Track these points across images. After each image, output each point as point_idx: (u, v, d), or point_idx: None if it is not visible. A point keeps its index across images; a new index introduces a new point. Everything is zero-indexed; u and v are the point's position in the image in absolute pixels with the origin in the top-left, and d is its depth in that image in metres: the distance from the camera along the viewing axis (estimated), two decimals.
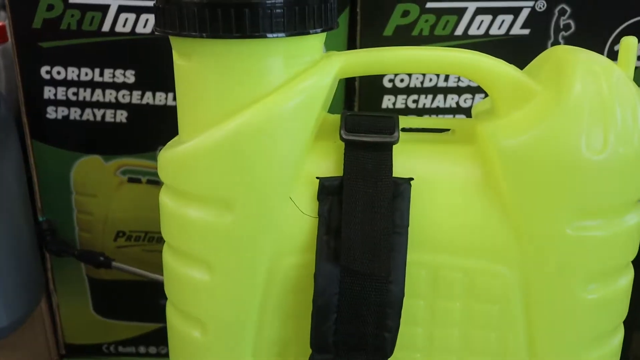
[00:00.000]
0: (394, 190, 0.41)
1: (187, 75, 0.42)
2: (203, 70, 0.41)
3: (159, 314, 0.76)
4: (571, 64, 0.40)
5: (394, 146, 0.42)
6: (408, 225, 0.41)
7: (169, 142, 0.46)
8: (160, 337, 0.79)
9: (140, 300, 0.77)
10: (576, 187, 0.39)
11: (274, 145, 0.41)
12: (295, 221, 0.42)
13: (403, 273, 0.40)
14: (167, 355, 0.79)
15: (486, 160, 0.41)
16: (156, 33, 0.43)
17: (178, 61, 0.43)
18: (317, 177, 0.41)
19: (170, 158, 0.43)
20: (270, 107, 0.40)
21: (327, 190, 0.41)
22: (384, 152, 0.41)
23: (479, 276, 0.42)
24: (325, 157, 0.42)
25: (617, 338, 0.45)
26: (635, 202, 0.41)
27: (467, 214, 0.41)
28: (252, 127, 0.40)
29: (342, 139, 0.42)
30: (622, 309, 0.44)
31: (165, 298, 0.76)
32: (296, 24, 0.40)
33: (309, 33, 0.41)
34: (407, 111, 0.65)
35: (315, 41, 0.42)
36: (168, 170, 0.44)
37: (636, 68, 0.63)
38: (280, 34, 0.39)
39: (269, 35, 0.39)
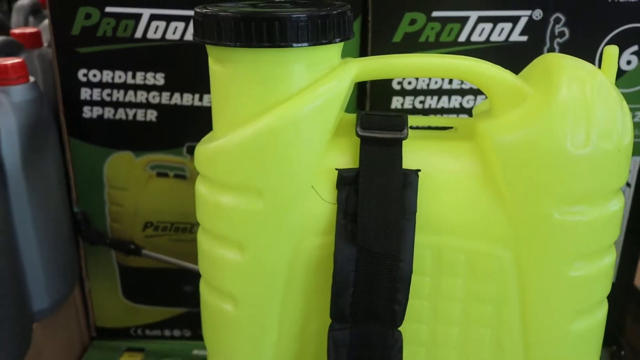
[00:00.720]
0: (404, 180, 0.47)
1: (222, 79, 0.48)
2: (236, 75, 0.47)
3: (183, 300, 0.83)
4: (559, 70, 0.46)
5: (404, 142, 0.47)
6: (416, 211, 0.46)
7: (204, 138, 0.51)
8: (184, 321, 0.85)
9: (166, 287, 0.83)
10: (562, 177, 0.44)
11: (298, 141, 0.47)
12: (317, 207, 0.47)
13: (411, 253, 0.46)
14: (190, 338, 0.85)
15: (485, 155, 0.47)
16: (194, 41, 0.48)
17: (213, 66, 0.48)
18: (336, 169, 0.47)
19: (206, 152, 0.49)
20: (295, 108, 0.46)
21: (345, 180, 0.47)
22: (395, 147, 0.47)
23: (478, 256, 0.47)
24: (343, 151, 0.48)
25: (602, 312, 0.50)
26: (616, 190, 0.47)
27: (467, 202, 0.47)
28: (279, 125, 0.46)
29: (357, 135, 0.47)
30: (606, 286, 0.49)
31: (189, 284, 0.82)
32: (318, 35, 0.45)
33: (329, 43, 0.46)
34: (414, 111, 0.71)
35: (334, 50, 0.48)
36: (204, 162, 0.49)
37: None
38: (304, 44, 0.45)
39: (294, 44, 0.45)
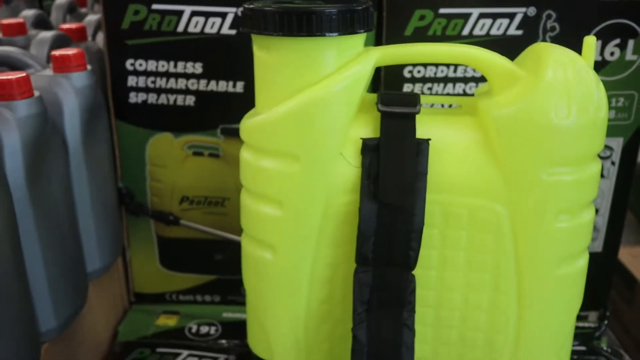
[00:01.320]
0: (417, 148, 0.56)
1: (265, 63, 0.58)
2: (277, 60, 0.56)
3: (214, 268, 0.92)
4: (546, 57, 0.55)
5: (417, 116, 0.57)
6: (427, 173, 0.56)
7: (247, 114, 0.61)
8: (213, 287, 0.94)
9: (199, 256, 0.92)
10: (548, 144, 0.54)
11: (329, 115, 0.56)
12: (345, 170, 0.57)
13: (423, 208, 0.56)
14: (219, 303, 0.95)
15: (484, 127, 0.56)
16: (242, 31, 0.58)
17: (258, 53, 0.58)
18: (361, 138, 0.56)
19: (251, 124, 0.58)
20: (327, 87, 0.55)
21: (368, 147, 0.56)
22: (410, 120, 0.56)
23: (478, 211, 0.57)
24: (366, 124, 0.57)
25: (583, 260, 0.59)
26: (594, 155, 0.56)
27: (470, 166, 0.56)
28: (313, 101, 0.55)
29: (378, 110, 0.57)
30: (586, 238, 0.58)
31: (219, 254, 0.91)
32: (346, 27, 0.55)
33: (355, 33, 0.56)
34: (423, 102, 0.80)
35: (359, 39, 0.57)
36: (249, 133, 0.59)
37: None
38: (334, 34, 0.55)
39: (327, 34, 0.54)
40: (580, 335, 0.86)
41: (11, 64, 0.73)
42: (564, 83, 0.53)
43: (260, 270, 0.61)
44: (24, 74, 0.63)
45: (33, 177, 0.63)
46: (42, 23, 1.02)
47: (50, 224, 0.67)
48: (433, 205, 0.57)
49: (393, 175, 0.55)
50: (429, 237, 0.57)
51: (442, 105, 0.69)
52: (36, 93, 0.64)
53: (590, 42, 0.56)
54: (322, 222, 0.58)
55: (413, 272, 0.57)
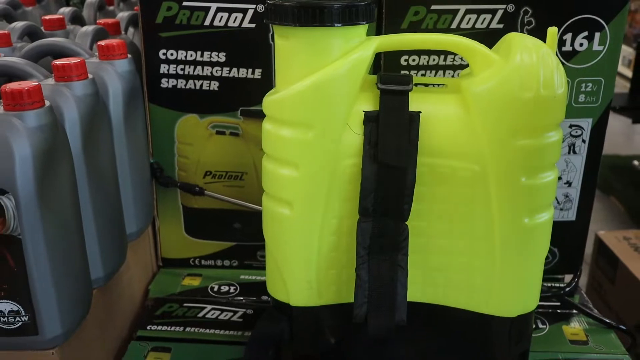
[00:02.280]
0: (410, 119, 0.68)
1: (284, 49, 0.69)
2: (294, 46, 0.68)
3: (233, 235, 1.04)
4: (516, 44, 0.67)
5: (410, 93, 0.68)
6: (418, 140, 0.68)
7: (269, 92, 0.73)
8: (232, 253, 1.06)
9: (220, 225, 1.04)
10: (517, 115, 0.65)
11: (337, 91, 0.68)
12: (350, 138, 0.69)
13: (414, 168, 0.67)
14: (237, 267, 1.07)
15: (465, 102, 0.68)
16: (265, 22, 0.70)
17: (278, 41, 0.70)
18: (364, 111, 0.68)
19: (272, 100, 0.70)
20: (335, 68, 0.67)
21: (370, 118, 0.68)
22: (404, 96, 0.68)
23: (460, 171, 0.68)
24: (368, 100, 0.69)
25: (548, 213, 0.70)
26: (556, 125, 0.68)
27: (453, 134, 0.68)
28: (324, 81, 0.67)
29: (378, 88, 0.68)
30: (550, 195, 0.70)
31: (238, 222, 1.03)
32: (352, 19, 0.67)
33: (358, 24, 0.68)
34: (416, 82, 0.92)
35: (362, 29, 0.69)
36: (270, 107, 0.71)
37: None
38: (341, 24, 0.66)
39: (335, 25, 0.66)
40: (557, 295, 0.97)
41: (64, 53, 0.85)
42: (529, 65, 0.65)
43: (279, 224, 0.73)
44: (80, 59, 0.75)
45: (87, 147, 0.75)
46: (77, 19, 1.14)
47: (100, 188, 0.79)
48: (423, 167, 0.68)
49: (390, 141, 0.67)
50: (419, 193, 0.69)
51: (432, 86, 0.80)
52: (90, 75, 0.76)
53: (553, 32, 0.68)
54: (331, 181, 0.70)
55: (406, 223, 0.69)
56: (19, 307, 0.67)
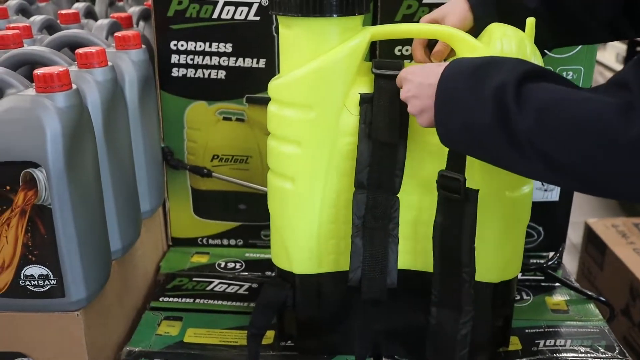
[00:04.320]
0: (400, 100, 0.75)
1: (288, 38, 0.77)
2: (297, 35, 0.75)
3: (238, 216, 1.11)
4: (496, 33, 0.74)
5: None
6: (408, 119, 0.75)
7: (274, 78, 0.80)
8: (237, 233, 1.13)
9: (226, 206, 1.11)
10: None
11: (335, 76, 0.75)
12: (347, 118, 0.76)
13: (405, 145, 0.75)
14: (242, 246, 1.14)
15: None
16: (271, 13, 0.77)
17: (282, 30, 0.77)
18: (359, 93, 0.75)
19: (277, 84, 0.77)
20: (334, 54, 0.74)
21: (365, 100, 0.75)
22: (395, 79, 0.75)
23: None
24: (363, 83, 0.76)
25: (528, 187, 0.78)
26: None
27: None
28: (324, 66, 0.74)
29: (372, 72, 0.76)
30: None
31: (243, 204, 1.10)
32: (348, 10, 0.74)
33: (354, 15, 0.75)
34: None
35: (358, 20, 0.76)
36: (275, 90, 0.78)
37: None
38: (339, 15, 0.73)
39: (334, 15, 0.73)
40: (540, 267, 1.04)
41: (83, 43, 0.92)
42: (508, 52, 0.72)
43: (282, 198, 0.80)
44: (101, 49, 0.82)
45: (107, 128, 0.82)
46: (90, 14, 1.22)
47: (118, 167, 0.86)
48: (412, 143, 0.76)
49: (383, 120, 0.74)
50: (410, 169, 0.76)
51: None
52: (109, 63, 0.83)
53: (531, 23, 0.75)
54: (330, 157, 0.77)
55: (397, 195, 0.76)
56: (48, 271, 0.74)
